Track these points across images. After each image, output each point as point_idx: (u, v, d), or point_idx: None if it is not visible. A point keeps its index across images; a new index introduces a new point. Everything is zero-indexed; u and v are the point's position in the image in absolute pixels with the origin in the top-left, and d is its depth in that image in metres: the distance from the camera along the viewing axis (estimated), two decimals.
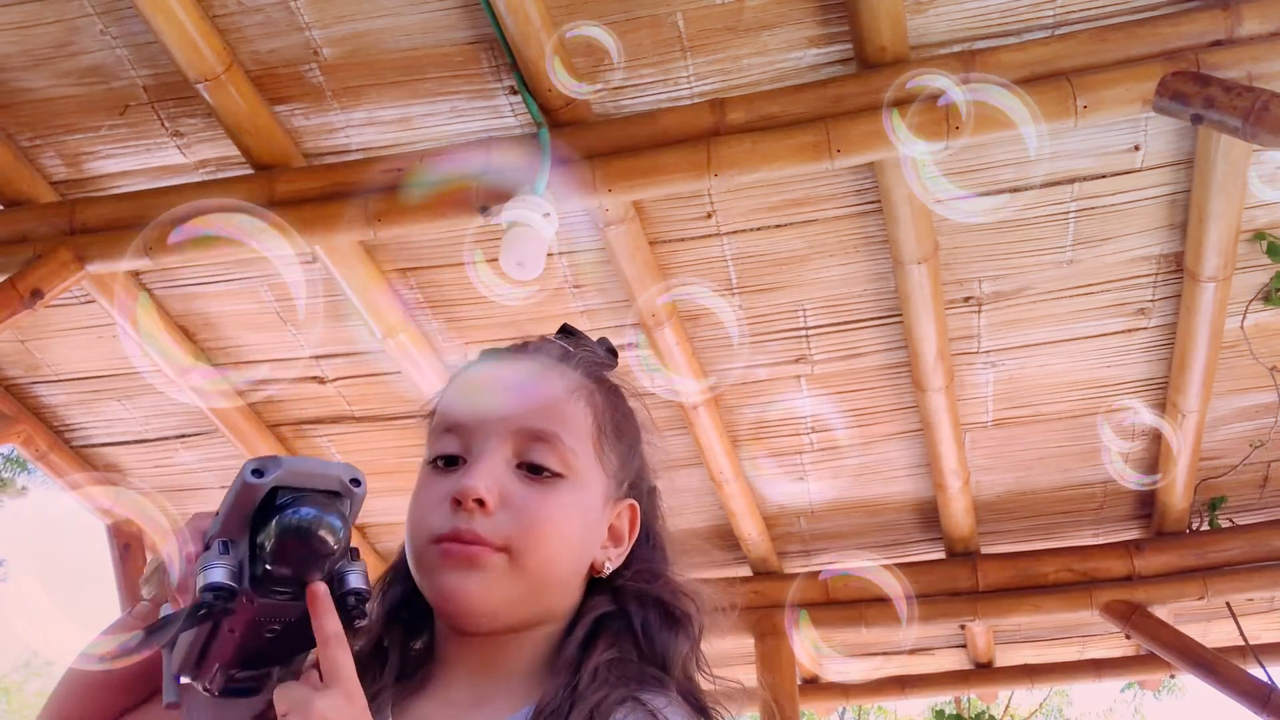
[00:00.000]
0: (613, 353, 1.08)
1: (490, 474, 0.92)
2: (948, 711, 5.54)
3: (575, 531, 0.95)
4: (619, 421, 1.03)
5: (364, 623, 0.96)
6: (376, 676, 0.95)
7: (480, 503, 0.91)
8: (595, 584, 0.99)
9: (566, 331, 1.08)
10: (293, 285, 3.11)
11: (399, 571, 1.01)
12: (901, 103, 2.53)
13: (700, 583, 1.03)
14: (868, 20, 2.50)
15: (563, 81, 2.46)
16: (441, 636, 0.98)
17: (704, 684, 0.97)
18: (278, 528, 0.77)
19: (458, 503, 0.91)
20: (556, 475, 0.95)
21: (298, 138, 2.91)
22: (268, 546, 0.77)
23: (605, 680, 0.89)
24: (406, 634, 0.99)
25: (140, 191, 3.02)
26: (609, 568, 0.98)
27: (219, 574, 0.76)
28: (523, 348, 1.04)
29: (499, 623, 0.92)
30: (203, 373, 3.52)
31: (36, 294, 2.90)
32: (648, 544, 1.04)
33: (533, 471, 0.94)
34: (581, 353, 1.04)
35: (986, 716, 5.42)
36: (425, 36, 2.66)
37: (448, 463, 0.96)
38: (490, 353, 1.06)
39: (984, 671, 4.82)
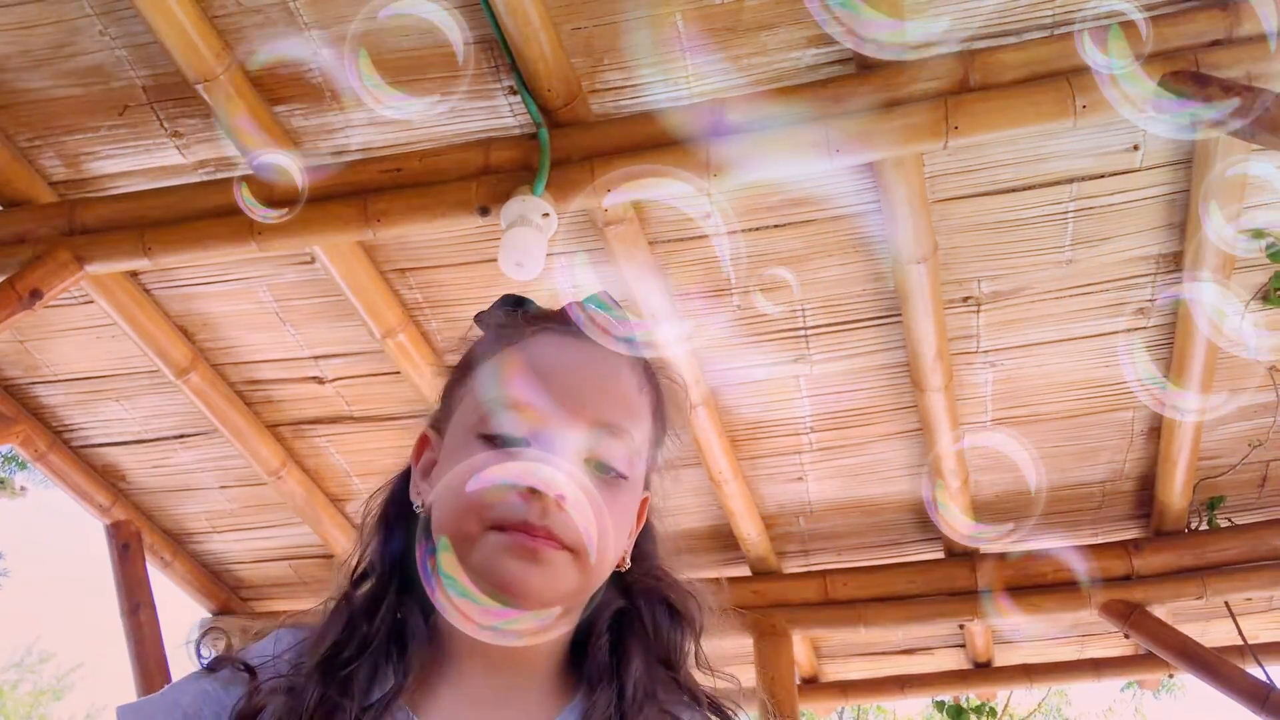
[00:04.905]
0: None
1: (572, 471, 0.87)
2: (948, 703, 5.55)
3: (625, 532, 0.93)
4: (665, 414, 1.00)
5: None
6: (398, 669, 0.89)
7: (560, 501, 0.85)
8: None
9: (607, 301, 0.98)
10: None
11: (395, 535, 0.95)
12: (900, 103, 2.54)
13: (698, 580, 1.02)
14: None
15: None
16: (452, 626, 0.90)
17: (703, 679, 0.97)
18: None
19: (533, 493, 0.85)
20: (621, 476, 0.91)
21: (297, 138, 2.91)
22: None
23: (646, 697, 0.89)
24: (424, 607, 0.92)
25: (139, 192, 3.02)
26: (628, 562, 0.96)
27: None
28: (586, 322, 0.96)
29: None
30: None
31: (36, 294, 2.89)
32: (648, 532, 1.02)
33: (599, 470, 0.90)
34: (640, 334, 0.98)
35: (987, 709, 5.41)
36: (425, 36, 2.66)
37: (505, 441, 0.89)
38: (561, 319, 0.97)
39: (983, 671, 4.82)
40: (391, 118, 2.84)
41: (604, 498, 0.88)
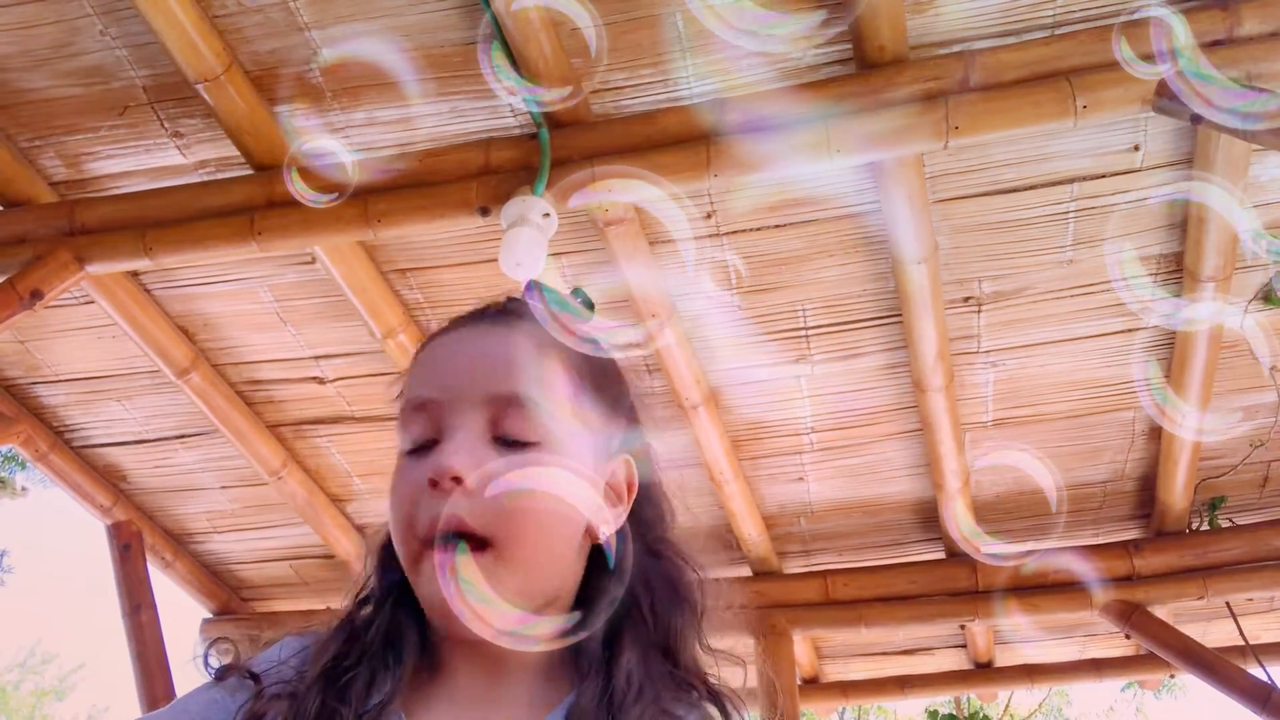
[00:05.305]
0: (589, 304, 1.00)
1: (465, 449, 0.85)
2: (941, 712, 5.55)
3: (561, 504, 0.89)
4: (597, 373, 0.96)
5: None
6: (393, 675, 0.89)
7: (458, 480, 0.84)
8: (596, 550, 0.93)
9: (533, 287, 0.99)
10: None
11: (390, 568, 0.95)
12: (900, 103, 2.54)
13: (703, 549, 0.99)
14: (867, 20, 2.50)
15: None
16: (439, 633, 0.92)
17: (705, 662, 0.95)
18: None
19: (434, 484, 0.84)
20: (534, 444, 0.88)
21: (298, 138, 2.91)
22: None
23: (639, 692, 0.87)
24: (418, 621, 0.92)
25: (140, 192, 3.02)
26: (605, 532, 0.91)
27: None
28: (483, 311, 0.97)
29: None
30: None
31: (36, 295, 2.90)
32: (647, 502, 0.98)
33: (508, 444, 0.87)
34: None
35: (981, 716, 5.42)
36: (425, 36, 2.66)
37: (422, 448, 0.89)
38: (452, 321, 0.98)
39: (984, 671, 4.82)
40: (393, 117, 2.84)
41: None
